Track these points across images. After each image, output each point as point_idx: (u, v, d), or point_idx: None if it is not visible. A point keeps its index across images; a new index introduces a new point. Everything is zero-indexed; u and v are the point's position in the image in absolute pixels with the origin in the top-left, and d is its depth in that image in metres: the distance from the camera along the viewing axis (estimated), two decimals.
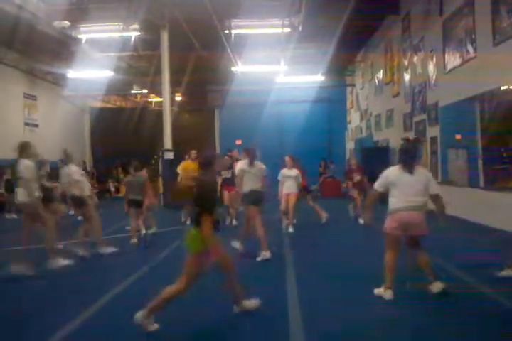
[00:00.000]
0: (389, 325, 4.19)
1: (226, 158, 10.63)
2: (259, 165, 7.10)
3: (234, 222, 10.24)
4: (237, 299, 4.40)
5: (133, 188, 8.46)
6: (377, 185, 4.92)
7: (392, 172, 4.89)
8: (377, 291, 4.87)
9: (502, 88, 9.12)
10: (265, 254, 6.69)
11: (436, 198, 4.81)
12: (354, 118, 23.90)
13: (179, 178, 10.96)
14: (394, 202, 4.80)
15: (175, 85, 19.44)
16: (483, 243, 7.53)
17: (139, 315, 3.96)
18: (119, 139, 22.07)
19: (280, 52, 16.88)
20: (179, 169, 11.08)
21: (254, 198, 6.90)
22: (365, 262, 6.34)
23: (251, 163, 7.03)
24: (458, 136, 11.40)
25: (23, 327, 4.28)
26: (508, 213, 8.01)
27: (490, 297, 4.75)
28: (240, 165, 7.26)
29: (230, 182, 9.79)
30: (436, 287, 4.75)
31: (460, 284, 5.19)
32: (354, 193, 10.70)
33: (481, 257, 6.33)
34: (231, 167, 10.04)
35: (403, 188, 4.74)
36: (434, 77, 12.36)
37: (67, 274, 6.29)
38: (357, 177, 10.63)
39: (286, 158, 9.61)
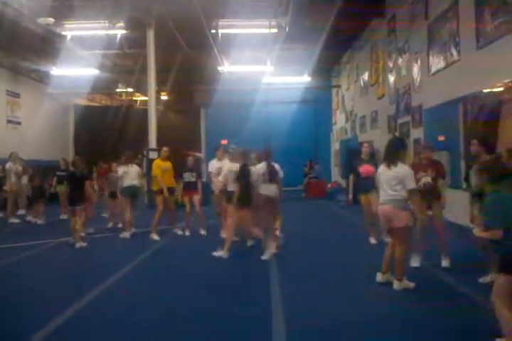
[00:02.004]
0: (373, 321, 4.22)
1: (189, 158, 9.38)
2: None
3: (187, 233, 9.13)
4: None
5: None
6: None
7: (379, 169, 5.34)
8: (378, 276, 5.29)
9: (485, 91, 9.25)
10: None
11: (409, 193, 5.03)
12: (339, 120, 24.03)
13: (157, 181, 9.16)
14: (380, 196, 5.25)
15: (160, 84, 19.37)
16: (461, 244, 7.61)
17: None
18: (103, 138, 21.88)
19: (267, 53, 16.91)
20: (155, 172, 9.13)
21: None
22: (350, 260, 6.41)
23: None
24: (441, 138, 11.53)
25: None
26: None
27: (465, 295, 4.84)
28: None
29: (192, 187, 8.95)
30: (399, 285, 5.00)
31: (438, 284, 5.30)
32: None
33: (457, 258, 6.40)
34: (194, 169, 9.19)
35: (382, 183, 5.17)
36: (418, 79, 12.48)
37: None
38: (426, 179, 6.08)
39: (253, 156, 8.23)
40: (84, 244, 8.15)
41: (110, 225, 10.39)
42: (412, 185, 5.01)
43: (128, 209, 9.27)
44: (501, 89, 8.94)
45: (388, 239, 5.85)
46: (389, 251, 5.27)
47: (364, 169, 7.65)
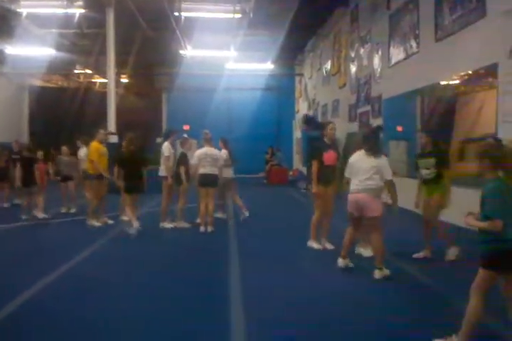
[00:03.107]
0: (330, 296, 4.36)
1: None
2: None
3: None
4: None
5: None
6: (346, 173, 5.31)
7: (353, 157, 5.26)
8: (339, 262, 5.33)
9: (442, 83, 9.50)
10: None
11: (387, 184, 5.08)
12: (302, 108, 24.18)
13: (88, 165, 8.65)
14: (350, 184, 5.20)
15: (120, 66, 18.87)
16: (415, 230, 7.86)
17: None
18: (60, 120, 21.24)
19: (230, 38, 16.74)
20: (93, 156, 8.52)
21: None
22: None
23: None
24: (399, 128, 11.80)
25: None
26: None
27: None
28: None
29: None
30: (379, 274, 4.99)
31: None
32: None
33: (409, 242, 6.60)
34: None
35: (356, 171, 5.12)
36: (378, 70, 12.67)
37: None
38: None
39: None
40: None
41: (63, 210, 10.18)
42: (390, 175, 5.06)
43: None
44: (457, 81, 9.22)
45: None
46: (348, 237, 5.30)
47: (328, 156, 6.29)
